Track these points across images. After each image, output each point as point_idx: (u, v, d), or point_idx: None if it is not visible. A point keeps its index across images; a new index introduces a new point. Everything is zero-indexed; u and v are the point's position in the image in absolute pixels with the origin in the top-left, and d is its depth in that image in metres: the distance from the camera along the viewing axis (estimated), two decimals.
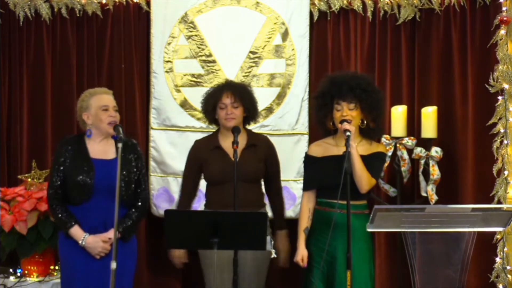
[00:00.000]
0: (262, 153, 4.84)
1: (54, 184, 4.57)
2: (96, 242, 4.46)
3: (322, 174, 4.55)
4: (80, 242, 4.49)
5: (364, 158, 4.50)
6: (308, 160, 4.68)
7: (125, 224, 4.54)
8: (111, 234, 4.45)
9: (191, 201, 4.96)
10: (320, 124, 4.71)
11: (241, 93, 4.83)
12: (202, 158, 4.84)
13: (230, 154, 4.72)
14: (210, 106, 4.83)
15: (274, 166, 4.92)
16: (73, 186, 4.52)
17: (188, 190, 4.93)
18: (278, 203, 4.98)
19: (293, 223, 5.18)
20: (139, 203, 4.63)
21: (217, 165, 4.76)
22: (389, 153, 5.49)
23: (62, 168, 4.56)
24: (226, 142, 4.78)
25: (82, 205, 4.53)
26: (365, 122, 4.57)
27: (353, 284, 4.32)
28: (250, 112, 4.86)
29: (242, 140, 4.78)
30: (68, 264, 4.58)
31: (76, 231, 4.50)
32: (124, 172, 4.54)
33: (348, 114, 4.49)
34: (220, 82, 5.09)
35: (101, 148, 4.60)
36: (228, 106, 4.76)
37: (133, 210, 4.60)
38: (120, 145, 4.27)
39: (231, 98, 4.77)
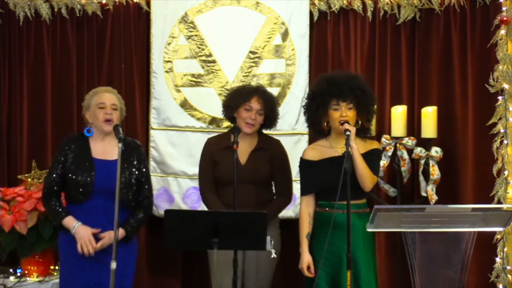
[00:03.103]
0: (269, 155, 4.81)
1: (51, 178, 4.56)
2: (85, 233, 4.44)
3: (322, 177, 4.52)
4: (71, 230, 4.47)
5: (362, 157, 4.50)
6: (305, 164, 4.63)
7: (130, 225, 4.55)
8: (105, 234, 4.45)
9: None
10: (314, 125, 4.65)
11: (270, 103, 4.81)
12: (214, 156, 4.81)
13: (240, 156, 4.70)
14: (236, 103, 4.78)
15: (278, 168, 4.83)
16: (73, 185, 4.51)
17: (209, 183, 4.80)
18: (274, 202, 4.86)
19: (293, 223, 5.18)
20: (145, 206, 4.62)
21: (226, 166, 4.72)
22: (389, 153, 5.50)
23: (62, 165, 4.56)
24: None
25: (82, 204, 4.51)
26: (360, 122, 4.56)
27: (362, 284, 4.37)
28: (270, 121, 4.84)
29: (253, 142, 4.80)
30: (67, 262, 4.57)
31: (69, 220, 4.48)
32: (125, 174, 4.53)
33: (346, 114, 4.48)
34: (250, 85, 5.04)
35: (104, 148, 4.58)
36: (253, 111, 4.74)
37: (139, 211, 4.59)
38: (120, 145, 4.26)
39: (260, 105, 4.76)
